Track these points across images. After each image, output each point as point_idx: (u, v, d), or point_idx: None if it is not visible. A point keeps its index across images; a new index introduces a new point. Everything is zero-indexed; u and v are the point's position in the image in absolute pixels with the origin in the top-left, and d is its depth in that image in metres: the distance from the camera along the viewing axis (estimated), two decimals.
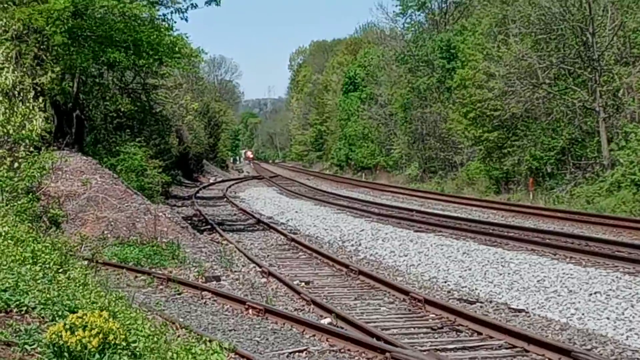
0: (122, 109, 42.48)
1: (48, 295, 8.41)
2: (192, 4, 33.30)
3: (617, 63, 41.30)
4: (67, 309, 8.11)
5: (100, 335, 6.33)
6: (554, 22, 42.45)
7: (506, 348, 13.99)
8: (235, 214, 42.60)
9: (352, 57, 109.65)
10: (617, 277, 18.71)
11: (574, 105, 41.90)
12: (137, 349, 7.19)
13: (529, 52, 42.67)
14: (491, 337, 14.49)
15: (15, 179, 19.08)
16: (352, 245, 28.03)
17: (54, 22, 28.37)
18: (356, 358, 13.60)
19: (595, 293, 17.31)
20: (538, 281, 18.99)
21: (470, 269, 21.38)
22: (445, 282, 20.67)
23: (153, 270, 22.04)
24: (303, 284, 20.61)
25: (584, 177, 40.59)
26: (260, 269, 22.99)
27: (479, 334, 14.87)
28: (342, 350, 13.97)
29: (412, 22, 75.74)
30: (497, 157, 48.42)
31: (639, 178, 33.92)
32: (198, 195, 57.08)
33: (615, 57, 41.51)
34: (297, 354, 13.90)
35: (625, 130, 38.08)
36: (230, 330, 15.47)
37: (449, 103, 59.41)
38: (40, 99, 23.55)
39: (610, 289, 17.47)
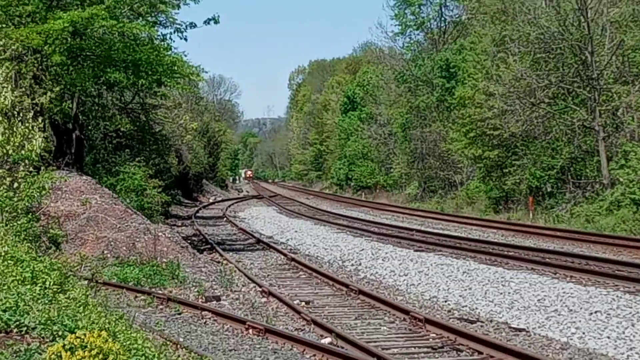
0: (122, 129, 42.50)
1: (48, 315, 8.40)
2: (191, 24, 33.33)
3: (616, 82, 41.32)
4: (67, 329, 8.09)
5: (100, 356, 6.31)
6: (552, 41, 42.50)
7: None
8: (235, 234, 42.56)
9: (351, 77, 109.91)
10: (617, 296, 18.68)
11: (574, 124, 41.92)
12: None
13: (527, 71, 42.72)
14: (492, 357, 14.44)
15: (15, 199, 19.08)
16: (352, 265, 27.99)
17: (53, 42, 28.40)
18: None
19: (595, 312, 17.27)
20: (538, 300, 18.96)
21: (470, 288, 21.34)
22: (446, 301, 20.63)
23: (153, 290, 21.99)
24: (303, 303, 20.57)
25: (583, 196, 40.58)
26: (260, 289, 22.94)
27: (480, 353, 14.82)
28: None
29: (411, 41, 76.04)
30: (496, 176, 48.44)
31: (639, 197, 33.93)
32: (198, 214, 57.03)
33: (614, 76, 41.54)
34: None
35: (624, 149, 38.09)
36: (230, 350, 15.43)
37: (448, 122, 59.48)
38: (40, 119, 23.58)
39: (610, 308, 17.44)
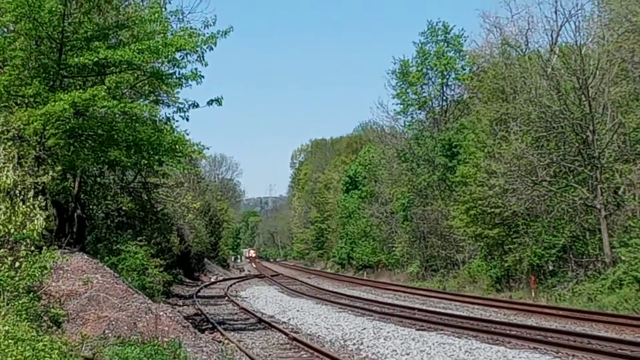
0: (124, 208, 42.56)
1: None
2: (193, 104, 33.48)
3: (617, 160, 41.48)
4: None
5: None
6: (554, 119, 42.75)
7: None
8: (236, 313, 42.39)
9: (353, 156, 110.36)
10: None
11: (575, 203, 41.99)
12: None
13: (529, 150, 42.91)
14: None
15: (16, 279, 19.08)
16: (354, 344, 27.85)
17: (54, 123, 28.58)
18: None
19: None
20: None
21: None
22: None
23: None
24: None
25: (585, 275, 40.51)
26: None
27: None
28: None
29: (413, 120, 76.48)
30: (498, 254, 48.40)
31: None
32: (199, 294, 56.86)
33: (615, 154, 41.71)
34: None
35: (627, 224, 38.12)
36: None
37: (450, 200, 59.58)
38: (41, 198, 23.64)
39: None
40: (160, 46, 29.28)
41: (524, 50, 51.93)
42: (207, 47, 30.56)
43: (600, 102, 42.00)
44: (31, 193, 22.66)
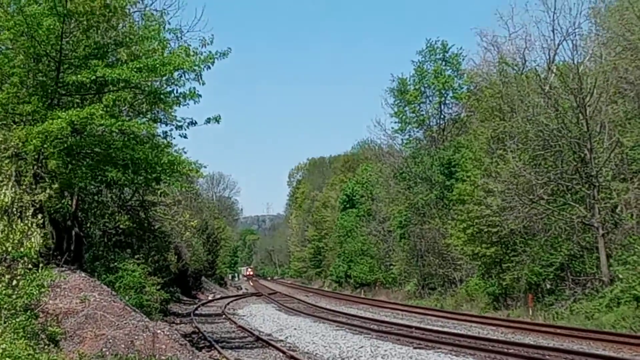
0: (121, 226, 42.55)
1: None
2: (191, 122, 33.48)
3: (614, 179, 41.50)
4: None
5: None
6: (551, 138, 42.79)
7: None
8: (234, 331, 42.32)
9: (350, 174, 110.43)
10: None
11: (573, 221, 42.00)
12: None
13: (526, 168, 42.93)
14: None
15: (14, 297, 19.07)
16: None
17: (52, 141, 28.59)
18: None
19: None
20: None
21: None
22: None
23: None
24: None
25: (583, 293, 40.48)
26: None
27: None
28: None
29: (411, 138, 76.53)
30: (495, 272, 48.38)
31: (639, 293, 33.84)
32: (197, 312, 56.80)
33: (613, 173, 41.73)
34: None
35: (623, 243, 38.13)
36: None
37: (447, 219, 59.57)
38: (39, 216, 23.65)
39: None
40: (158, 65, 29.32)
41: (521, 68, 52.07)
42: (204, 67, 30.61)
43: (598, 120, 42.06)
44: (29, 211, 22.68)
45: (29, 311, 19.67)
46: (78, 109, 28.95)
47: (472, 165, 50.26)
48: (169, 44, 32.23)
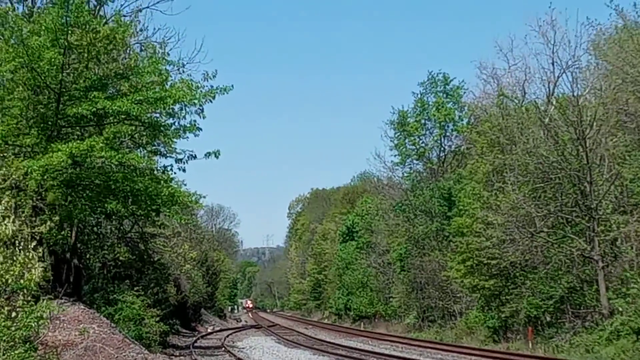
0: (121, 258, 42.54)
1: None
2: (191, 155, 33.57)
3: (614, 212, 41.46)
4: None
5: None
6: (551, 170, 42.79)
7: None
8: None
9: (349, 206, 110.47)
10: None
11: (572, 254, 41.94)
12: None
13: (526, 201, 42.92)
14: None
15: (13, 328, 19.06)
16: None
17: (52, 174, 28.64)
18: None
19: None
20: None
21: None
22: None
23: None
24: None
25: (583, 326, 40.39)
26: None
27: None
28: None
29: (411, 171, 76.57)
30: (495, 305, 48.27)
31: (639, 326, 33.76)
32: (196, 344, 56.58)
33: (612, 205, 41.68)
34: None
35: (623, 276, 38.08)
36: None
37: (447, 251, 59.49)
38: (39, 248, 23.66)
39: None
40: (158, 98, 29.45)
41: (521, 101, 52.18)
42: (205, 100, 30.73)
43: (598, 153, 42.08)
44: (29, 244, 22.69)
45: (28, 343, 19.66)
46: (78, 141, 29.05)
47: (472, 199, 50.23)
48: (170, 75, 32.38)
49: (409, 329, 67.73)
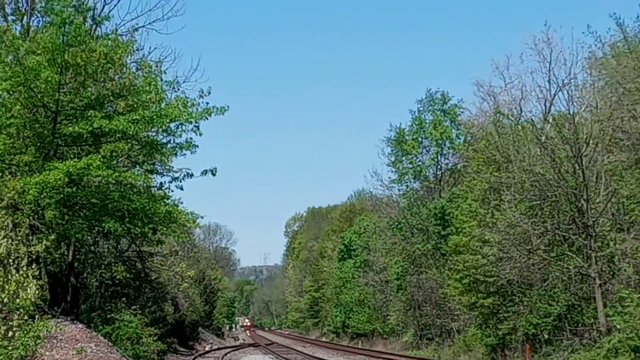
0: (118, 277, 42.50)
1: None
2: (187, 173, 33.62)
3: (611, 229, 41.42)
4: None
5: None
6: (548, 188, 42.77)
7: None
8: None
9: (347, 224, 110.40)
10: None
11: (570, 272, 41.90)
12: None
13: (523, 218, 42.89)
14: None
15: (10, 348, 19.04)
16: None
17: (48, 192, 28.65)
18: None
19: None
20: None
21: None
22: None
23: None
24: None
25: (581, 344, 40.31)
26: None
27: None
28: None
29: (408, 189, 76.46)
30: (493, 323, 48.21)
31: (637, 344, 33.70)
32: None
33: (610, 223, 41.65)
34: None
35: (619, 295, 38.05)
36: None
37: (444, 269, 59.44)
38: (35, 267, 23.66)
39: None
40: (155, 117, 29.49)
41: (517, 118, 52.19)
42: (201, 118, 30.79)
43: (594, 170, 42.07)
44: (25, 262, 22.68)
45: None
46: (75, 159, 29.07)
47: (468, 217, 50.18)
48: (166, 94, 32.42)
49: (407, 346, 67.64)
